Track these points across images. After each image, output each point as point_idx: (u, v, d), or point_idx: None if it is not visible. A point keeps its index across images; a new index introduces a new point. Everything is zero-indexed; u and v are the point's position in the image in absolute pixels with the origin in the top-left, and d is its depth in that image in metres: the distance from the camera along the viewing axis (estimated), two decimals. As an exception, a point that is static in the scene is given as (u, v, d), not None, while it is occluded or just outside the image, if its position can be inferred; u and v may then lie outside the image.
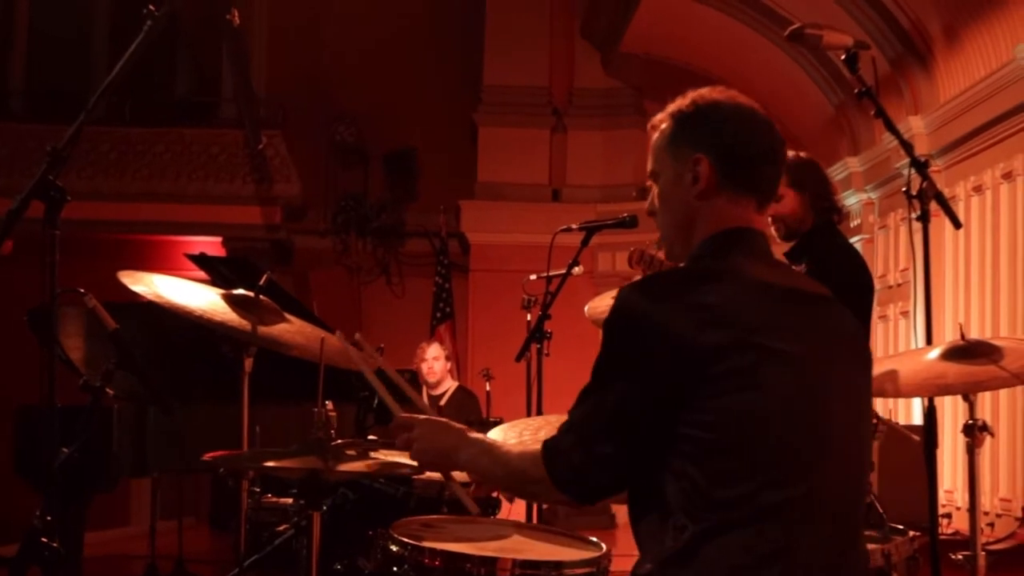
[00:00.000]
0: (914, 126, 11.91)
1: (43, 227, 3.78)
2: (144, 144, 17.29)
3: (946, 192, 11.23)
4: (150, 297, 3.88)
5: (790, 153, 6.23)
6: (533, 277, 9.92)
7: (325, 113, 17.90)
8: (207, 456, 3.70)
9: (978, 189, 11.14)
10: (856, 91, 4.94)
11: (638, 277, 3.18)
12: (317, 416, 3.66)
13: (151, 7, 4.07)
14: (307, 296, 17.15)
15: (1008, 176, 10.67)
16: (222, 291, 4.17)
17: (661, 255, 6.30)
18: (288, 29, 17.84)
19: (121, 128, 17.26)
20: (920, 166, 4.81)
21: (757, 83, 15.10)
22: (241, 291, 4.16)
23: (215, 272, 10.86)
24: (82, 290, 4.01)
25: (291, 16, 17.69)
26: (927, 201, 4.84)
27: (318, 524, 3.61)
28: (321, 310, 15.98)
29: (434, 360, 11.95)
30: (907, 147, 4.96)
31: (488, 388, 11.90)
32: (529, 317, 10.25)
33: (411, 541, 3.67)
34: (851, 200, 13.89)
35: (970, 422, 4.40)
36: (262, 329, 3.99)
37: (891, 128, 5.04)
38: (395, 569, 3.65)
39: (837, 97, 14.06)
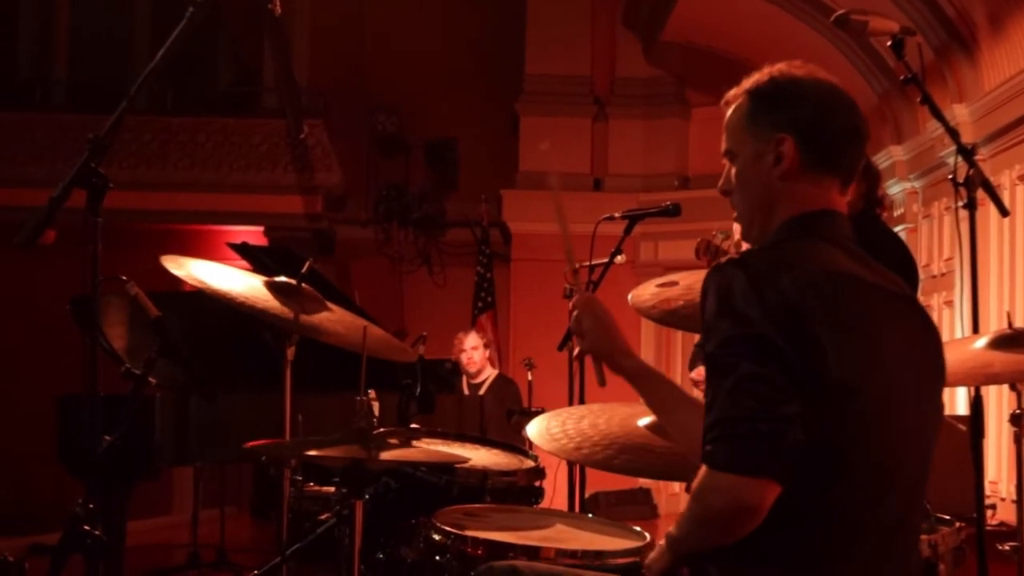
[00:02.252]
0: (958, 114, 11.81)
1: (85, 215, 3.77)
2: (186, 134, 17.31)
3: (991, 181, 11.19)
4: (193, 283, 3.87)
5: None
6: (576, 266, 9.85)
7: (366, 102, 17.88)
8: (249, 444, 3.69)
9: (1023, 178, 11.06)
10: (902, 78, 4.92)
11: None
12: (359, 405, 3.64)
13: (193, -6, 4.05)
14: (349, 285, 17.14)
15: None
16: (264, 278, 4.16)
17: (727, 245, 6.27)
18: (330, 18, 17.81)
19: (163, 118, 17.30)
20: (967, 153, 4.78)
21: (800, 72, 15.03)
22: (283, 279, 4.14)
23: (257, 261, 10.89)
24: (124, 277, 4.00)
25: (333, 5, 17.67)
26: (974, 189, 4.81)
27: (360, 513, 3.60)
28: (363, 299, 15.99)
29: (473, 350, 11.95)
30: (954, 135, 4.93)
31: (530, 377, 11.87)
32: (571, 306, 10.21)
33: (453, 530, 3.66)
34: (895, 189, 13.81)
35: (1018, 411, 4.36)
36: (304, 317, 3.98)
37: (937, 115, 5.00)
38: (437, 558, 3.65)
39: (881, 85, 13.96)
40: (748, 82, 3.16)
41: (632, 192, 16.92)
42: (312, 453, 3.64)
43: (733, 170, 3.15)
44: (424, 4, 17.93)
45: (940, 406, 3.13)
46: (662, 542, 3.01)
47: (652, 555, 3.03)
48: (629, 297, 5.12)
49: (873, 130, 14.14)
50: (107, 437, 3.69)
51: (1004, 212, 5.00)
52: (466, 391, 11.95)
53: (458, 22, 17.95)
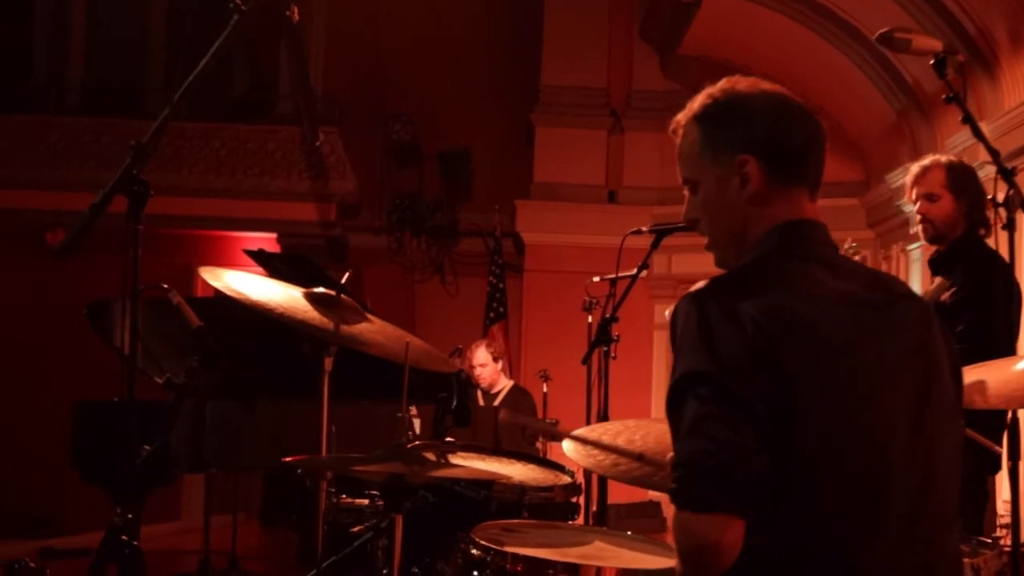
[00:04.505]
0: (977, 132, 11.78)
1: (126, 222, 3.75)
2: (201, 139, 17.32)
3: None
4: (232, 295, 3.84)
5: (952, 157, 6.17)
6: (596, 279, 9.86)
7: (381, 111, 17.91)
8: (289, 459, 3.66)
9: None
10: (944, 97, 4.88)
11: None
12: (401, 420, 3.62)
13: (237, 1, 4.03)
14: (361, 294, 17.08)
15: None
16: (303, 289, 4.13)
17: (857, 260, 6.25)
18: (346, 26, 17.82)
19: (178, 123, 17.28)
20: (1007, 174, 4.75)
21: (818, 87, 15.01)
22: (322, 289, 4.11)
23: (273, 268, 10.87)
24: (166, 285, 3.98)
25: (349, 14, 17.67)
26: (1014, 209, 4.77)
27: (400, 527, 3.57)
28: (375, 308, 15.96)
29: (481, 367, 11.87)
30: (994, 154, 4.90)
31: (545, 389, 11.83)
32: (591, 319, 10.22)
33: (493, 546, 3.63)
34: (910, 207, 13.75)
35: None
36: (344, 328, 3.95)
37: (978, 134, 4.98)
38: (475, 573, 3.62)
39: (899, 102, 13.93)
40: (693, 106, 3.06)
41: (647, 205, 16.91)
42: (357, 468, 3.60)
43: (697, 199, 3.05)
44: (440, 13, 17.92)
45: (950, 414, 2.96)
46: None
47: None
48: (666, 313, 5.09)
49: (891, 147, 14.22)
50: (147, 447, 3.64)
51: (1043, 232, 4.95)
52: (481, 401, 11.91)
53: (474, 31, 17.97)
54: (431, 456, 3.79)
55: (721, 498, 2.61)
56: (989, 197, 4.84)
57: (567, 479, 4.41)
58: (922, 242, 13.00)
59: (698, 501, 2.61)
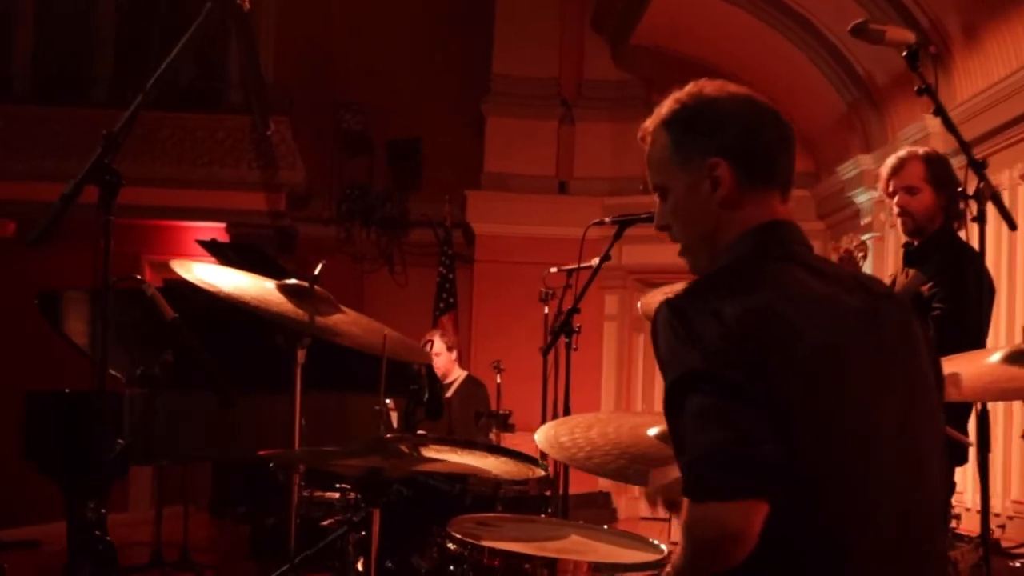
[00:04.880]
0: (929, 124, 11.82)
1: (98, 212, 3.70)
2: (149, 129, 17.16)
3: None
4: (205, 287, 3.78)
5: (929, 149, 6.16)
6: (554, 270, 9.84)
7: (331, 100, 17.84)
8: (264, 452, 3.61)
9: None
10: (916, 88, 4.87)
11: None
12: (378, 412, 3.58)
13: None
14: (309, 285, 17.08)
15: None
16: (276, 281, 4.07)
17: (859, 256, 6.26)
18: (296, 15, 17.75)
19: (124, 112, 17.12)
20: (978, 166, 4.74)
21: (769, 79, 15.03)
22: (295, 280, 4.06)
23: (225, 258, 10.80)
24: (139, 276, 3.92)
25: (300, 2, 17.60)
26: (984, 201, 4.77)
27: (378, 521, 3.53)
28: (324, 298, 15.93)
29: (435, 356, 11.82)
30: (965, 147, 4.89)
31: (499, 380, 11.80)
32: (547, 310, 10.20)
33: (469, 540, 3.60)
34: (862, 198, 13.85)
35: (1033, 427, 4.31)
36: (319, 319, 3.90)
37: (950, 127, 4.96)
38: (452, 568, 3.59)
39: (850, 94, 13.99)
40: (661, 112, 3.01)
41: (597, 195, 16.93)
42: (335, 462, 3.56)
43: (668, 205, 3.02)
44: (391, 2, 17.87)
45: (933, 412, 2.96)
46: None
47: None
48: (638, 305, 5.07)
49: (842, 139, 14.27)
50: (120, 440, 3.60)
51: (1012, 226, 4.96)
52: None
53: (426, 21, 17.93)
54: (407, 449, 3.75)
55: (747, 483, 2.59)
56: (959, 190, 4.83)
57: (541, 472, 4.39)
58: (872, 234, 13.15)
59: (726, 489, 2.59)
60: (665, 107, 3.02)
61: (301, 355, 3.91)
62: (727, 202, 2.91)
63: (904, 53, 4.79)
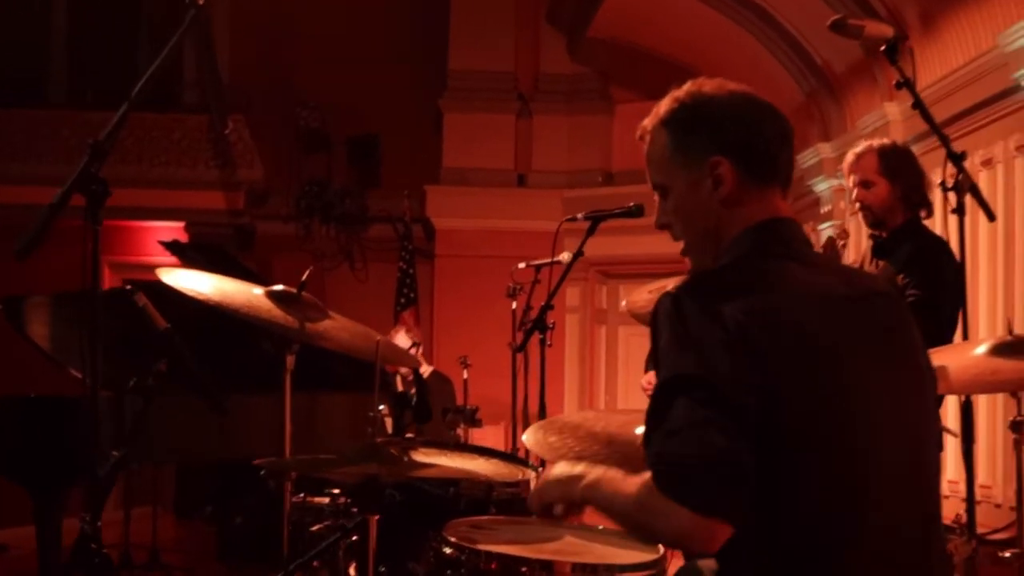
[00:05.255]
0: (889, 112, 11.90)
1: (85, 221, 3.67)
2: (105, 129, 17.09)
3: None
4: (194, 296, 3.76)
5: (886, 141, 6.20)
6: (522, 265, 9.88)
7: (288, 98, 17.77)
8: (258, 461, 3.59)
9: (987, 163, 11.07)
10: (895, 82, 4.90)
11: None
12: (372, 418, 3.57)
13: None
14: (271, 282, 17.01)
15: (988, 163, 10.65)
16: (264, 288, 4.05)
17: (840, 245, 6.28)
18: (251, 12, 17.68)
19: (82, 112, 17.12)
20: (956, 158, 4.76)
21: (727, 69, 15.00)
22: (282, 287, 4.04)
23: (187, 259, 10.79)
24: (129, 287, 3.90)
25: (254, 0, 17.56)
26: (963, 193, 4.80)
27: (374, 529, 3.52)
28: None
29: None
30: (944, 140, 4.92)
31: (465, 376, 11.79)
32: (515, 305, 10.22)
33: (466, 544, 3.59)
34: (821, 186, 13.90)
35: (1018, 418, 4.33)
36: (309, 326, 3.88)
37: (928, 120, 4.98)
38: (449, 572, 3.58)
39: (808, 84, 14.03)
40: (660, 111, 3.02)
41: (556, 188, 17.01)
42: (330, 470, 3.55)
43: (668, 204, 3.04)
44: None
45: (930, 407, 3.01)
46: (558, 473, 2.99)
47: (544, 484, 3.00)
48: (623, 303, 5.07)
49: (800, 128, 14.31)
50: (115, 452, 3.57)
51: (991, 217, 5.00)
52: (400, 388, 11.86)
53: (382, 17, 17.88)
54: (399, 453, 3.74)
55: (725, 504, 2.60)
56: (939, 182, 4.86)
57: (532, 474, 4.39)
58: (833, 222, 13.20)
59: (706, 503, 2.59)
60: (664, 106, 3.04)
61: (290, 361, 3.89)
62: (729, 200, 2.94)
63: (882, 48, 4.82)
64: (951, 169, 4.87)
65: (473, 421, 11.92)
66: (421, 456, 4.21)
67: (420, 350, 12.02)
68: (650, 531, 2.79)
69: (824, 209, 13.88)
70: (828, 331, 2.78)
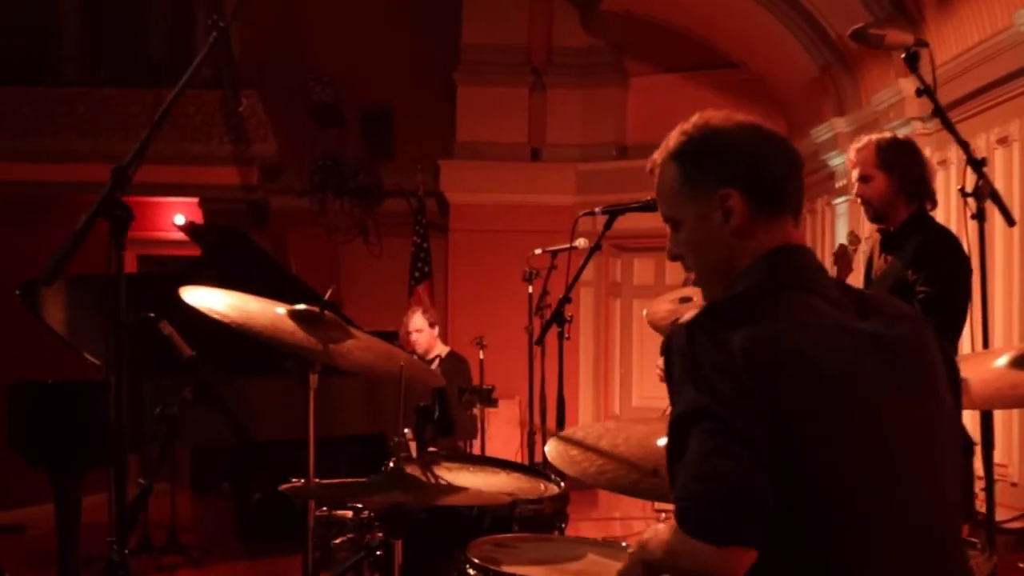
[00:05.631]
0: (904, 89, 11.88)
1: (109, 247, 3.68)
2: (119, 106, 17.11)
3: (937, 156, 11.25)
4: (216, 317, 3.76)
5: (887, 134, 6.19)
6: (538, 251, 9.94)
7: (301, 73, 17.75)
8: (284, 487, 3.60)
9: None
10: (916, 90, 4.89)
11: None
12: (397, 444, 3.58)
13: (215, 17, 3.96)
14: (285, 256, 17.09)
15: (1004, 141, 10.64)
16: (286, 307, 4.04)
17: (852, 251, 6.27)
18: (263, -12, 17.67)
19: (96, 89, 17.15)
20: (976, 164, 4.75)
21: (740, 42, 15.05)
22: (304, 306, 4.03)
23: (203, 241, 10.80)
24: (152, 315, 3.91)
25: (265, -25, 17.54)
26: (983, 199, 4.79)
27: (399, 553, 3.54)
28: (299, 270, 15.93)
29: (416, 333, 11.79)
30: (964, 146, 4.91)
31: (481, 356, 11.81)
32: (531, 289, 10.25)
33: (491, 567, 3.60)
34: (836, 161, 13.88)
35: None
36: (332, 347, 3.88)
37: (948, 126, 4.98)
38: (475, 597, 3.58)
39: (823, 57, 13.99)
40: (669, 144, 3.00)
41: (570, 161, 17.00)
42: (356, 499, 3.57)
43: (680, 236, 3.02)
44: (359, -27, 17.80)
45: (951, 432, 2.97)
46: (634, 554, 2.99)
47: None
48: (644, 312, 5.07)
49: (815, 102, 14.28)
50: (187, 395, 3.57)
51: (1011, 222, 4.98)
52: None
53: (394, -9, 17.85)
54: (424, 474, 3.75)
55: (740, 530, 2.61)
56: (958, 188, 4.84)
57: (555, 489, 4.39)
58: (847, 196, 13.18)
59: (719, 534, 2.61)
60: (672, 139, 3.02)
61: (313, 380, 3.90)
62: (739, 231, 2.92)
63: (903, 56, 4.80)
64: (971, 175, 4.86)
65: (489, 401, 11.93)
66: (444, 471, 4.21)
67: (436, 331, 11.99)
68: (680, 571, 2.78)
69: (839, 184, 13.86)
70: (837, 358, 2.76)
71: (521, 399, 14.49)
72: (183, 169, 17.09)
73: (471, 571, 3.60)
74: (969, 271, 5.83)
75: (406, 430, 3.75)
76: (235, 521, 12.00)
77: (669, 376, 2.78)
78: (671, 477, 2.75)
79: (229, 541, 11.70)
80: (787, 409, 2.65)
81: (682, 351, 2.74)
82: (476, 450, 11.93)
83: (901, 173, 5.96)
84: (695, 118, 3.02)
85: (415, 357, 11.79)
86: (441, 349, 12.01)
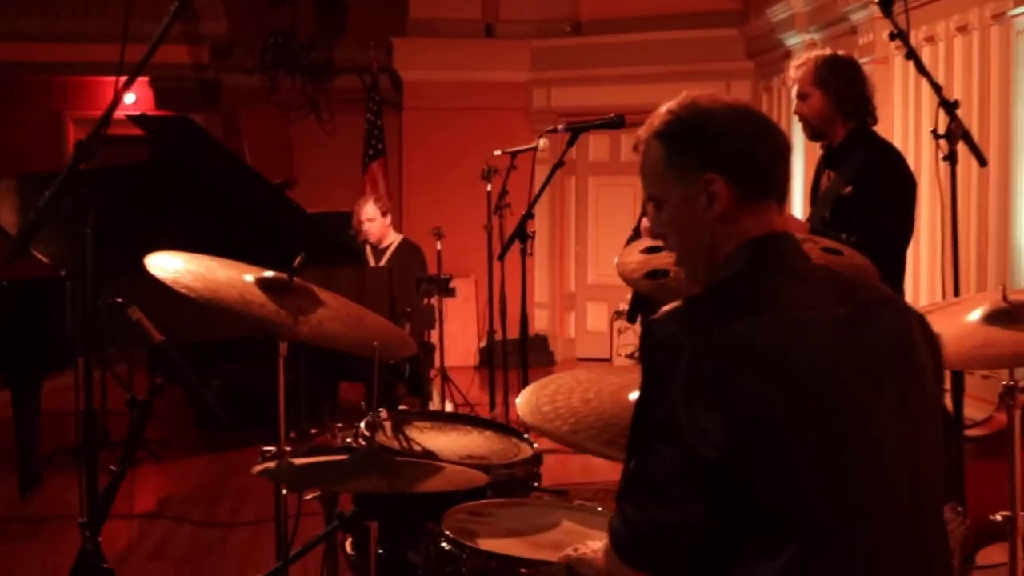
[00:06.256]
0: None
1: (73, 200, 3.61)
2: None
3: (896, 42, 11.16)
4: (183, 291, 3.69)
5: (827, 51, 6.13)
6: (497, 152, 9.90)
7: (251, -53, 17.49)
8: (256, 469, 3.56)
9: (930, 40, 11.01)
10: (889, 33, 4.85)
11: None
12: (370, 424, 3.54)
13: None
14: (237, 135, 16.96)
15: (963, 29, 10.57)
16: (254, 275, 3.96)
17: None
18: None
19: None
20: (949, 107, 4.72)
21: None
22: (272, 273, 3.96)
23: (154, 132, 10.71)
24: (120, 300, 3.84)
25: None
26: (955, 141, 4.76)
27: (376, 534, 3.52)
28: (251, 149, 15.81)
29: (369, 222, 11.75)
30: (937, 88, 4.86)
31: (439, 246, 11.76)
32: (489, 187, 10.20)
33: (466, 541, 3.58)
34: (793, 40, 13.81)
35: (1010, 383, 4.27)
36: (302, 319, 3.81)
37: (922, 71, 4.92)
38: (448, 568, 3.57)
39: (780, -67, 13.86)
40: (655, 123, 2.95)
41: (525, 38, 16.82)
42: (332, 485, 3.54)
43: (663, 215, 2.99)
44: None
45: (932, 416, 2.94)
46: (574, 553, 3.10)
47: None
48: (615, 261, 5.01)
49: (772, -21, 14.12)
50: (158, 381, 3.54)
51: (983, 162, 4.95)
52: (371, 259, 11.82)
53: None
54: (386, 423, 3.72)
55: (673, 566, 2.70)
56: (931, 130, 4.80)
57: (528, 451, 4.37)
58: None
59: (652, 567, 2.72)
60: (658, 118, 2.97)
61: (283, 348, 3.84)
62: (723, 216, 2.88)
63: (876, 1, 4.74)
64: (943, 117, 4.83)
65: (447, 291, 11.93)
66: (415, 432, 4.19)
67: (389, 219, 11.94)
68: None
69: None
70: (822, 351, 2.74)
71: (478, 279, 14.56)
72: (133, 47, 16.82)
73: (446, 546, 3.59)
74: (912, 187, 5.81)
75: (381, 410, 3.72)
76: (194, 408, 11.99)
77: (643, 364, 2.76)
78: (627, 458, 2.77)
79: (189, 431, 11.70)
80: (764, 410, 2.64)
81: (653, 355, 2.74)
82: (435, 339, 11.93)
83: (837, 91, 5.91)
84: (681, 97, 2.97)
85: (367, 247, 11.77)
86: (394, 237, 11.98)
